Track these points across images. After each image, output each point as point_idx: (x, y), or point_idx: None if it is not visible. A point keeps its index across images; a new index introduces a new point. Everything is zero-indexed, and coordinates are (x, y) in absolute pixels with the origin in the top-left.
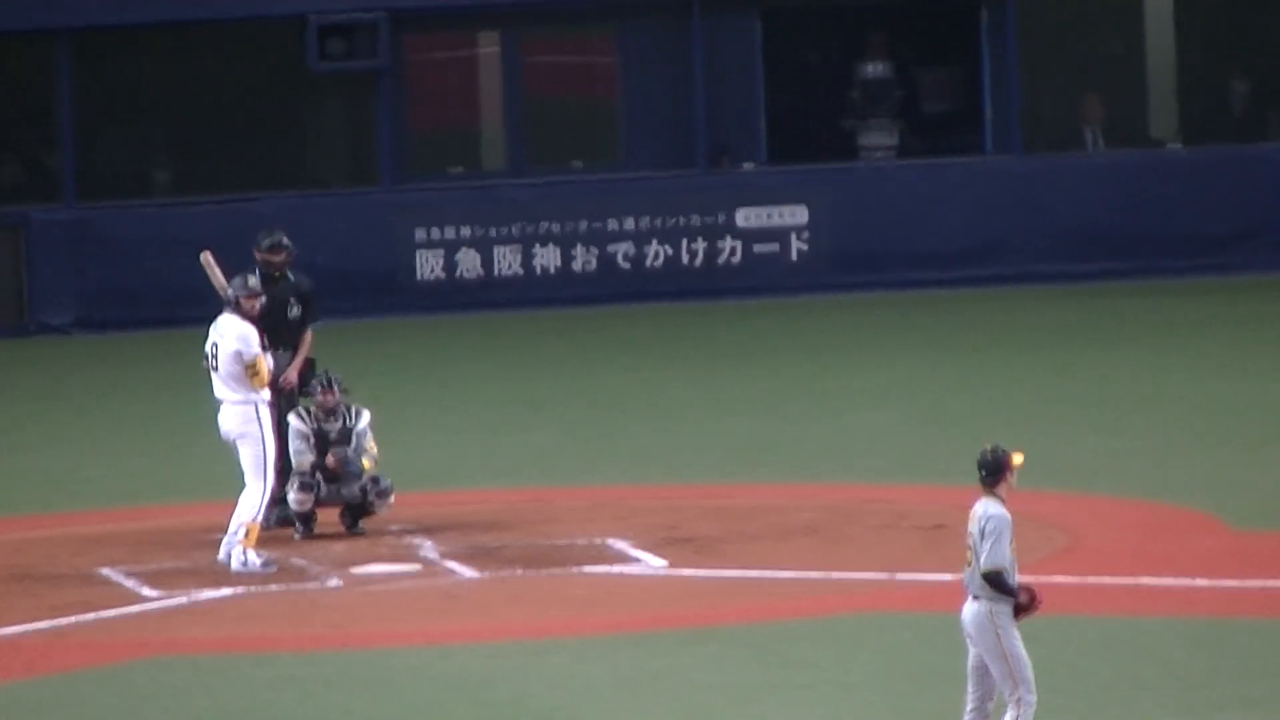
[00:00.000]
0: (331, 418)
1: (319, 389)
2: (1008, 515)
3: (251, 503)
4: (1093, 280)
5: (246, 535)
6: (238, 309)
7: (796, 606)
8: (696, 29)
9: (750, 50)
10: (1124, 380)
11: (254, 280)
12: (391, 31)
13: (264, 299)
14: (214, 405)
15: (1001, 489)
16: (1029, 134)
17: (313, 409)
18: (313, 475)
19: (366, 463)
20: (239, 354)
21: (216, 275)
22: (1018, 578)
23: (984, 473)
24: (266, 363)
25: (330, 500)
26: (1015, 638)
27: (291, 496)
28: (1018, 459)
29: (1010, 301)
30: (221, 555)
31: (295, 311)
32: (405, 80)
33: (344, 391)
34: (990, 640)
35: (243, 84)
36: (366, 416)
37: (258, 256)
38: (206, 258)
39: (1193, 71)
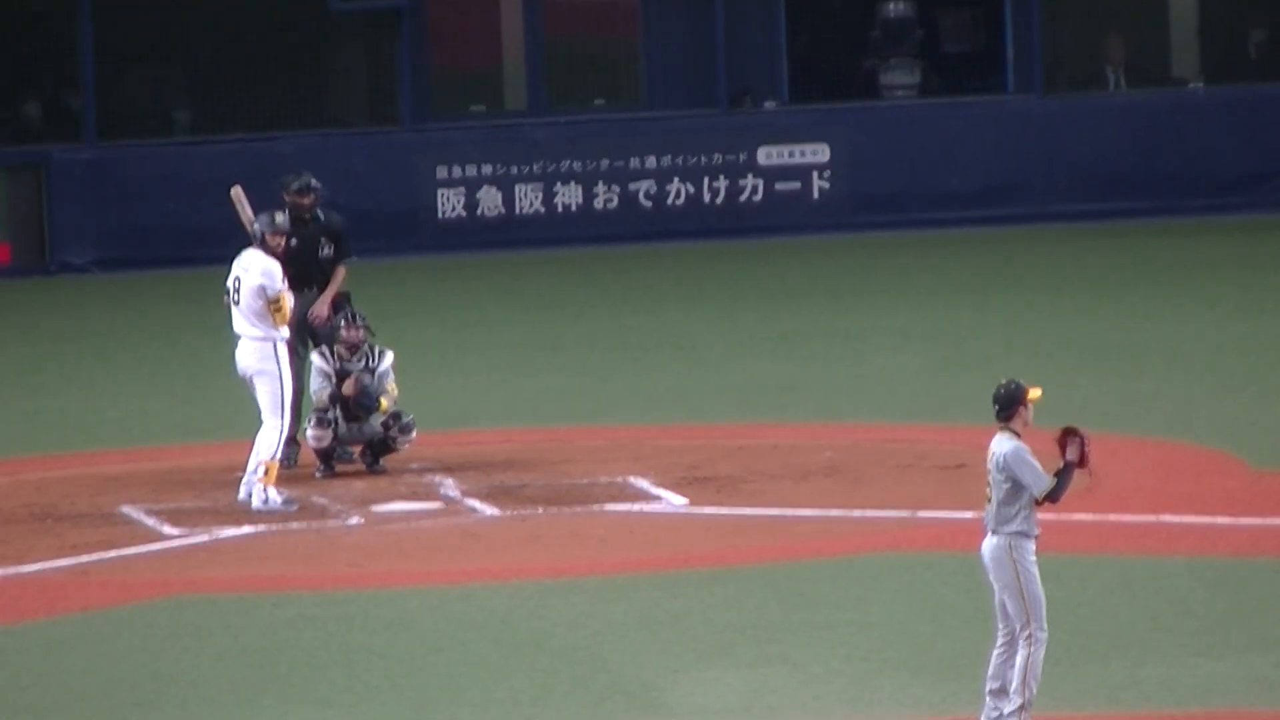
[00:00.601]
0: (354, 356)
1: (344, 324)
2: (1023, 445)
3: (269, 440)
4: (1113, 220)
5: (266, 473)
6: (263, 245)
7: (816, 546)
8: None
9: None
10: (1144, 321)
11: (281, 218)
12: None
13: (289, 237)
14: (232, 341)
15: (1016, 423)
16: (1050, 74)
17: (336, 348)
18: (330, 412)
19: (385, 403)
20: (262, 289)
21: (245, 210)
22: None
23: (998, 407)
24: (289, 299)
25: (352, 439)
26: (1034, 574)
27: (310, 433)
28: (1035, 393)
29: (1030, 242)
30: (242, 494)
31: (327, 251)
32: (426, 19)
33: (368, 330)
34: (1009, 575)
35: (263, 23)
36: (390, 358)
37: (286, 199)
38: (237, 192)
39: (1215, 11)
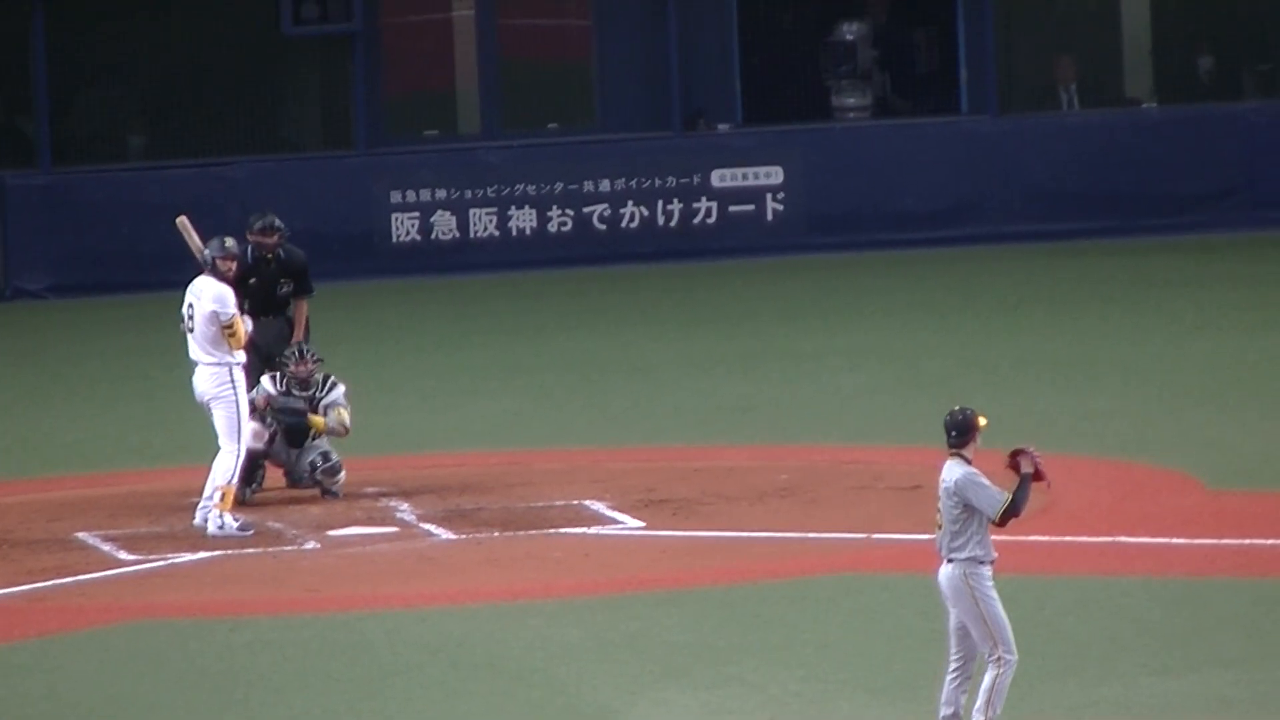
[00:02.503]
0: (302, 388)
1: (293, 360)
2: (973, 469)
3: (226, 466)
4: (1068, 240)
5: (222, 499)
6: (214, 270)
7: (773, 567)
8: None
9: (725, 11)
10: (1100, 340)
11: (230, 242)
12: None
13: (249, 276)
14: (189, 367)
15: (969, 450)
16: (1004, 94)
17: (287, 380)
18: (267, 416)
19: (319, 422)
20: (215, 315)
21: (193, 238)
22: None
23: (954, 433)
24: (245, 325)
25: (286, 465)
26: (993, 599)
27: (251, 428)
28: (982, 421)
29: (986, 261)
30: (198, 520)
31: (286, 289)
32: (380, 43)
33: (317, 362)
34: (967, 603)
35: (217, 48)
36: (340, 390)
37: (250, 239)
38: (183, 221)
39: (1167, 31)
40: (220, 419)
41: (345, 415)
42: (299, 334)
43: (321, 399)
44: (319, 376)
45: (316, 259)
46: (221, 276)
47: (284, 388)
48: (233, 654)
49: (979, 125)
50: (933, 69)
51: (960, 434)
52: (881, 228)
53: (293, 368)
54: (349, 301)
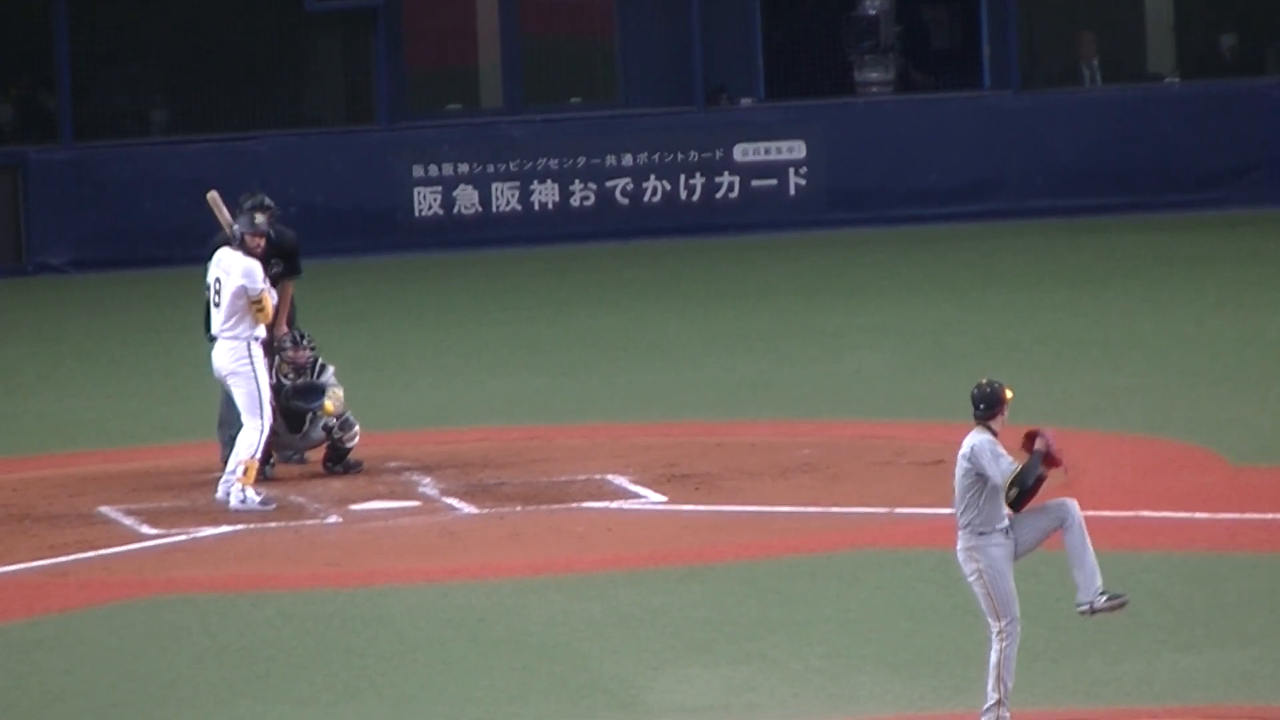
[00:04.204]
0: (296, 374)
1: (290, 345)
2: (995, 440)
3: (249, 441)
4: (1090, 216)
5: (245, 473)
6: (242, 246)
7: (795, 543)
8: None
9: None
10: (1122, 317)
11: (260, 218)
12: None
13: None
14: (208, 342)
15: (996, 422)
16: (1026, 70)
17: (281, 366)
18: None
19: (329, 405)
20: (244, 289)
21: (223, 213)
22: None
23: (981, 406)
24: (270, 299)
25: (300, 446)
26: (998, 571)
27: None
28: (1009, 394)
29: (1007, 238)
30: (220, 494)
31: (275, 270)
32: (402, 18)
33: (313, 349)
34: (973, 572)
35: (239, 23)
36: (330, 372)
37: (252, 243)
38: (214, 196)
39: (1189, 7)
40: (240, 394)
41: (340, 394)
42: (282, 317)
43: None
44: (310, 363)
45: (338, 234)
46: (249, 252)
47: (274, 376)
48: (254, 629)
49: (1001, 101)
50: (955, 44)
51: (988, 406)
52: (903, 203)
53: (290, 353)
54: (371, 277)
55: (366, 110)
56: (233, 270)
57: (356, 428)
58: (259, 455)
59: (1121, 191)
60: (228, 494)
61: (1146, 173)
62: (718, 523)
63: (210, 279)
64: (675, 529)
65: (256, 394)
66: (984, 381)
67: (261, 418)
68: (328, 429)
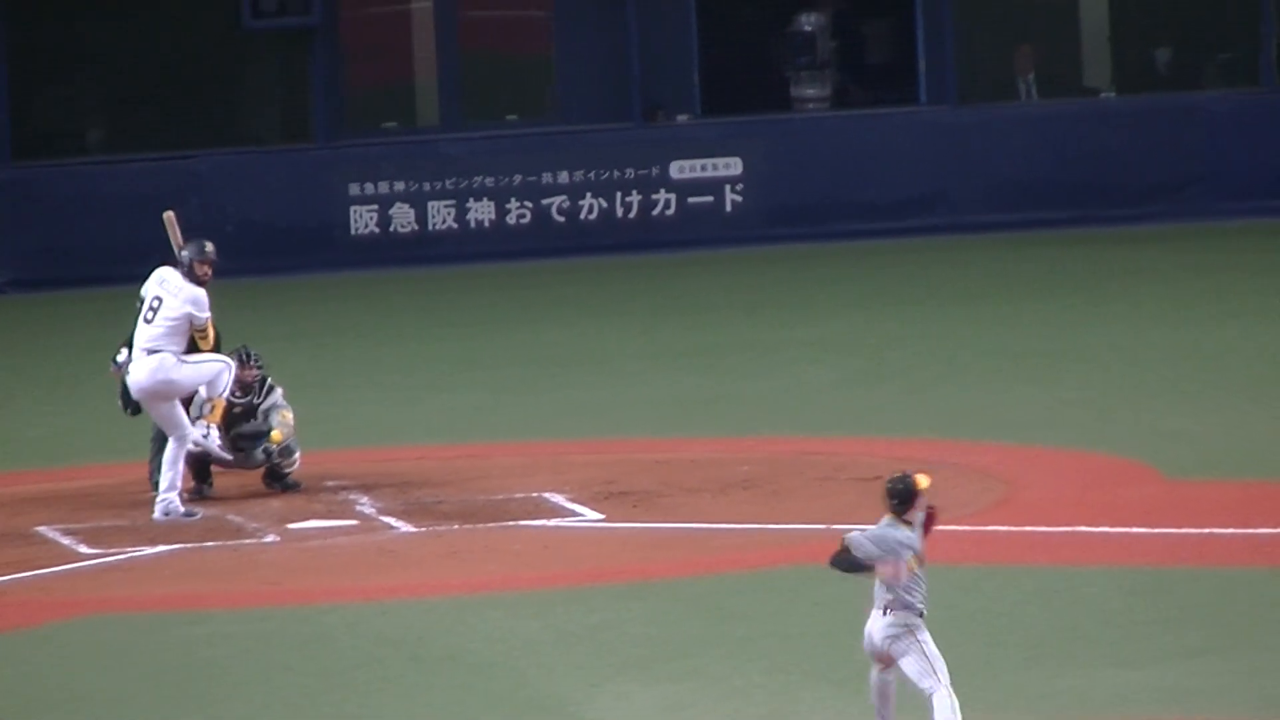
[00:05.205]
0: (242, 393)
1: (238, 364)
2: (908, 534)
3: (173, 455)
4: (1028, 230)
5: (170, 486)
6: (189, 273)
7: (735, 559)
8: None
9: (684, 3)
10: (1061, 331)
11: (210, 247)
12: None
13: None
14: (123, 357)
15: (911, 515)
16: (963, 84)
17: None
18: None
19: (277, 434)
20: (190, 317)
21: (176, 234)
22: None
23: (895, 501)
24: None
25: (239, 467)
26: (907, 648)
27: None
28: (924, 482)
29: (946, 252)
30: (157, 513)
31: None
32: (338, 36)
33: (260, 368)
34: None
35: (177, 41)
36: (279, 392)
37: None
38: (169, 216)
39: (1126, 21)
40: (160, 411)
41: (289, 417)
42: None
43: (260, 404)
44: (258, 382)
45: (275, 252)
46: (196, 280)
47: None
48: (193, 648)
49: (939, 115)
50: (892, 60)
51: (902, 501)
52: (841, 219)
53: (238, 371)
54: (308, 295)
55: (304, 128)
56: (179, 294)
57: (297, 454)
58: (182, 469)
59: (1060, 205)
60: (164, 515)
61: (1085, 186)
62: (656, 540)
63: (148, 294)
64: (613, 546)
65: (174, 411)
66: (897, 475)
67: (183, 430)
68: (268, 453)
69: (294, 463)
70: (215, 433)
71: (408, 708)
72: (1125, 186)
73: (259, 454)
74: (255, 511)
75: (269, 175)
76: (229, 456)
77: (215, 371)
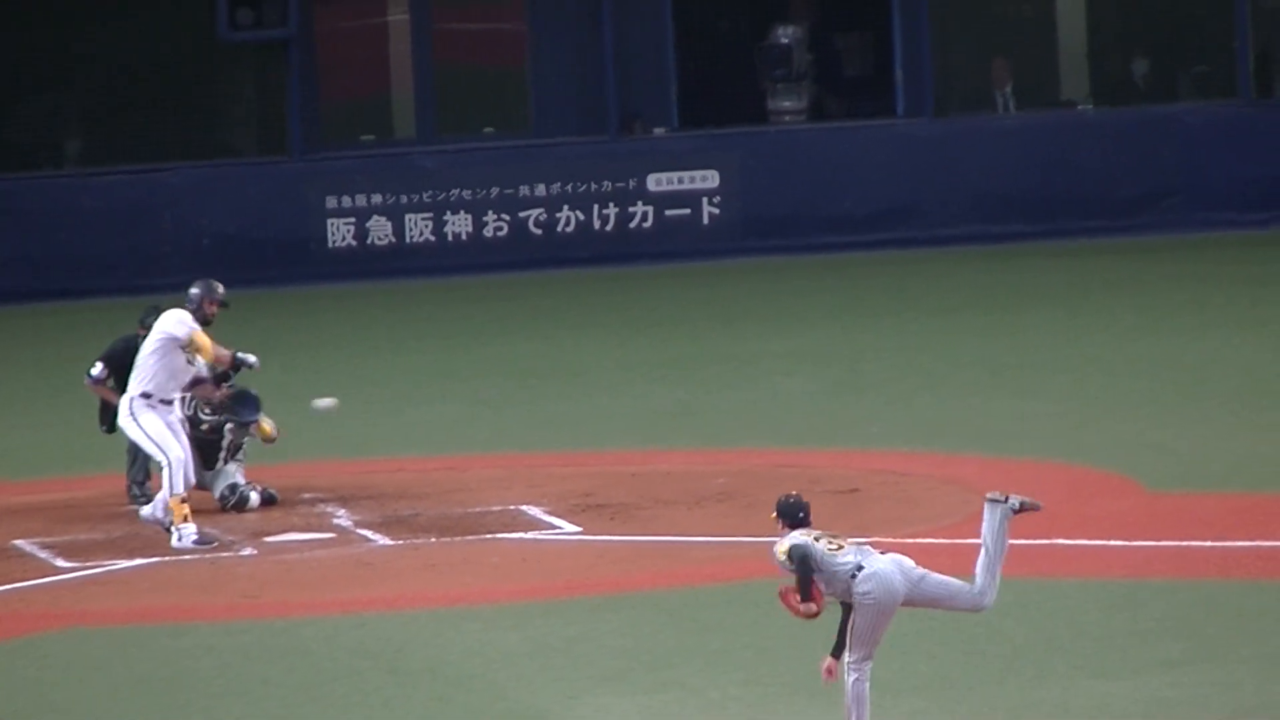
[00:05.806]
0: (212, 411)
1: (211, 385)
2: (806, 541)
3: (163, 481)
4: (1006, 242)
5: (173, 513)
6: (198, 310)
7: (711, 571)
8: None
9: (660, 15)
10: (1039, 343)
11: (220, 288)
12: (301, 0)
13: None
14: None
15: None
16: (940, 97)
17: (197, 401)
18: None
19: (267, 428)
20: (169, 340)
21: (220, 352)
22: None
23: (800, 515)
24: (203, 337)
25: (202, 486)
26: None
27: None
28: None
29: (924, 265)
30: (145, 512)
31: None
32: (314, 49)
33: (231, 387)
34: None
35: (153, 54)
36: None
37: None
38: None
39: (1103, 33)
40: (138, 440)
41: (269, 428)
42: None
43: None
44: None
45: (252, 264)
46: (203, 320)
47: (191, 409)
48: (170, 660)
49: (916, 128)
50: (869, 72)
51: (806, 515)
52: (818, 231)
53: (207, 389)
54: (285, 307)
55: (280, 141)
56: (160, 322)
57: (253, 500)
58: (181, 489)
59: (1037, 218)
60: (153, 514)
61: (1062, 199)
62: (633, 552)
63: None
64: (590, 559)
65: (147, 435)
66: (792, 495)
67: (164, 452)
68: (224, 499)
69: (250, 509)
70: (189, 531)
71: None
72: (1103, 198)
73: (218, 495)
74: (232, 524)
75: (245, 188)
76: (211, 544)
77: (151, 455)
